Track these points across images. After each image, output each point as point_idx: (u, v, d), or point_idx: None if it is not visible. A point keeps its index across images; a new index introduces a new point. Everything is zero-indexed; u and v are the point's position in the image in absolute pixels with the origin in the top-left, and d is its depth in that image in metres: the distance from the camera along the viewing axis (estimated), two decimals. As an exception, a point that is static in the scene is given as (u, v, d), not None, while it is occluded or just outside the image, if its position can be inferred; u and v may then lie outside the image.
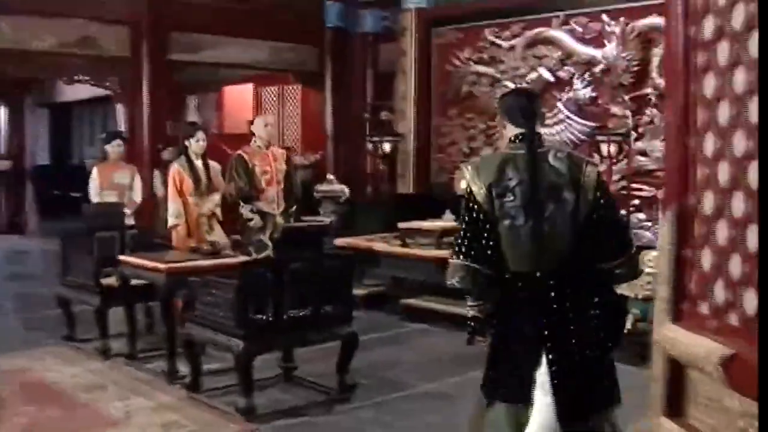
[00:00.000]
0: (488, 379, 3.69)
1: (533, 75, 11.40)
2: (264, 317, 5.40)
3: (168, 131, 12.51)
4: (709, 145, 2.96)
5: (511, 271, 3.58)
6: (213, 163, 7.57)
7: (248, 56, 13.76)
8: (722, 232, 2.85)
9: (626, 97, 10.27)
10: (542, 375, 3.47)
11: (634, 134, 9.98)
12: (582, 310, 3.55)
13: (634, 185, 9.72)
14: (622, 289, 4.78)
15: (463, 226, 3.65)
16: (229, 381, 5.87)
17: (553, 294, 3.52)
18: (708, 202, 2.97)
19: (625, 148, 9.74)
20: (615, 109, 10.19)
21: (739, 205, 2.73)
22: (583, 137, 10.74)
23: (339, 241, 9.52)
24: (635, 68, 10.26)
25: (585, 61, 10.80)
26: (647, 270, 5.98)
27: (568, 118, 10.90)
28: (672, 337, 3.11)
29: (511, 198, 3.54)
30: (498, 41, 11.88)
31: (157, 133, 12.19)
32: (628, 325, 6.19)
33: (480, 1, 12.66)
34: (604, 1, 10.65)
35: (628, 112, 10.07)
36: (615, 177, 9.88)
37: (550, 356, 3.48)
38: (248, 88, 17.04)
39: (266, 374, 6.08)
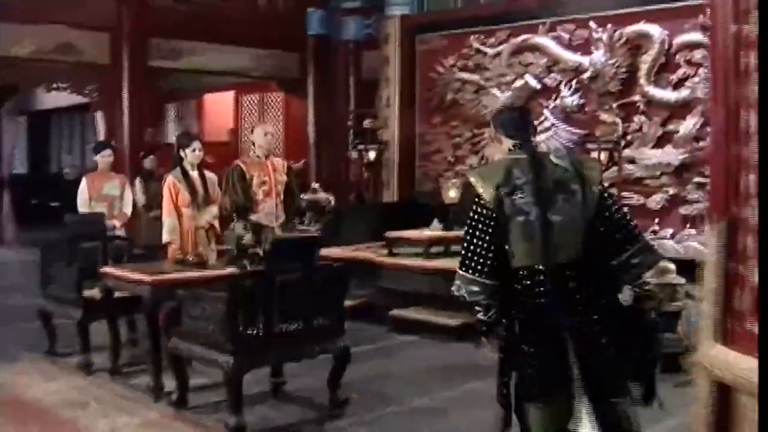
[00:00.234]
0: (516, 384, 3.64)
1: (519, 82, 11.33)
2: (254, 331, 5.22)
3: (146, 138, 12.35)
4: (759, 150, 2.79)
5: (524, 267, 3.58)
6: (210, 174, 7.35)
7: (230, 63, 13.67)
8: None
9: (614, 105, 10.20)
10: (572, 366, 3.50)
11: (622, 142, 9.91)
12: (600, 301, 3.59)
13: (624, 193, 9.63)
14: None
15: (470, 236, 3.64)
16: (217, 397, 5.69)
17: (571, 285, 3.55)
18: (758, 213, 2.80)
19: (616, 156, 9.64)
20: (604, 116, 10.10)
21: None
22: (570, 145, 10.64)
23: (324, 251, 9.34)
24: (623, 75, 10.21)
25: (572, 68, 10.73)
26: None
27: (555, 125, 10.82)
28: (719, 358, 2.93)
29: (521, 194, 3.58)
30: (483, 48, 11.79)
31: (137, 141, 12.01)
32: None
33: (465, 7, 12.59)
34: (592, 7, 10.60)
35: (618, 120, 9.99)
36: (605, 185, 9.78)
37: (575, 347, 3.51)
38: (229, 96, 16.91)
39: (254, 389, 5.90)
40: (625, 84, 10.19)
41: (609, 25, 10.32)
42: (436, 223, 9.07)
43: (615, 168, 9.71)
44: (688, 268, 7.02)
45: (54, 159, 22.94)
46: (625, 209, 4.07)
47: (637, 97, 10.09)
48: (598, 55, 10.42)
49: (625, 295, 3.67)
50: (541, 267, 3.55)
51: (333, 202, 11.54)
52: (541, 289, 3.55)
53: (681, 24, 9.70)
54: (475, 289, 3.61)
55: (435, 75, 12.39)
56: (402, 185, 12.68)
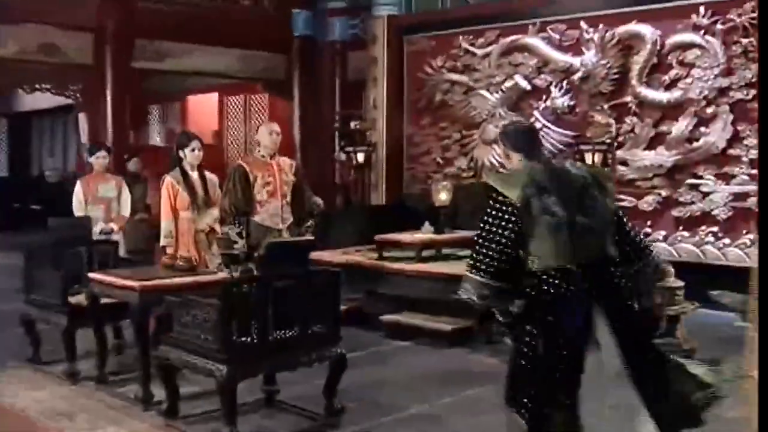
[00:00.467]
0: (539, 390, 3.58)
1: (509, 83, 11.22)
2: (248, 339, 5.05)
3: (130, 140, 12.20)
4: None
5: (551, 268, 3.54)
6: (210, 175, 7.16)
7: (215, 64, 13.52)
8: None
9: (605, 106, 10.11)
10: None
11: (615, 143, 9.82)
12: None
13: (616, 196, 9.51)
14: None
15: (483, 238, 3.60)
16: (209, 406, 5.52)
17: (600, 283, 3.56)
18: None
19: (609, 158, 9.54)
20: (598, 117, 10.01)
21: None
22: (561, 147, 10.56)
23: (313, 255, 9.17)
24: (615, 76, 10.13)
25: (562, 69, 10.65)
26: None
27: (546, 127, 10.72)
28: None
29: (548, 196, 3.57)
30: (472, 49, 11.69)
31: (121, 143, 11.81)
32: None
33: (454, 8, 12.48)
34: (583, 7, 10.51)
35: (611, 121, 9.89)
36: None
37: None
38: (213, 97, 16.74)
39: (246, 398, 5.72)
40: (617, 85, 10.12)
41: (600, 25, 10.24)
42: (427, 225, 8.93)
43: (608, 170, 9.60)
44: (681, 270, 6.97)
45: (35, 161, 22.66)
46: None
47: (628, 98, 10.02)
48: (589, 56, 10.33)
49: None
50: (569, 267, 3.53)
51: (322, 206, 11.36)
52: (570, 289, 3.51)
53: (673, 24, 9.64)
54: (486, 292, 3.58)
55: (423, 76, 12.28)
56: (390, 187, 12.55)
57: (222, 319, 4.94)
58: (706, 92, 9.41)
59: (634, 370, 3.47)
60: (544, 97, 10.84)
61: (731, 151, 9.25)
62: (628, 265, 3.69)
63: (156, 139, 17.99)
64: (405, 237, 8.83)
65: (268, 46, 13.89)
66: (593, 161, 9.28)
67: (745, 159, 9.10)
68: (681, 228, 9.60)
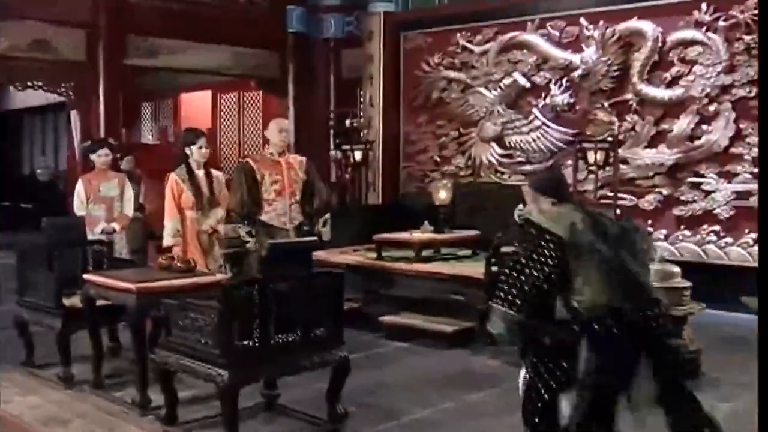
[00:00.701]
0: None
1: (507, 80, 11.11)
2: (250, 343, 4.90)
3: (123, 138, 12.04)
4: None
5: (595, 307, 3.49)
6: (217, 174, 6.98)
7: (208, 62, 13.38)
8: None
9: (606, 104, 10.01)
10: None
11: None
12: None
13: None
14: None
15: (518, 272, 3.56)
16: (208, 411, 5.40)
17: (646, 323, 3.55)
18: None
19: (611, 156, 9.43)
20: (600, 115, 9.90)
21: None
22: (560, 144, 10.47)
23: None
24: (615, 73, 10.03)
25: (562, 66, 10.54)
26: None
27: (545, 125, 10.62)
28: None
29: (590, 236, 3.58)
30: (470, 46, 11.57)
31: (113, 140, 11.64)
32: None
33: (451, 4, 12.36)
34: (583, 4, 10.39)
35: (614, 118, 9.80)
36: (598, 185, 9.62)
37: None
38: (206, 95, 16.59)
39: (246, 403, 5.57)
40: (617, 82, 10.02)
41: (600, 22, 10.13)
42: (426, 225, 8.79)
43: (608, 168, 9.52)
44: (682, 270, 6.85)
45: (26, 160, 22.46)
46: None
47: (629, 96, 9.91)
48: (590, 53, 10.23)
49: None
50: (616, 307, 3.50)
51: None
52: (617, 326, 3.47)
53: (675, 21, 9.55)
54: (515, 327, 3.54)
55: (420, 73, 12.16)
56: (386, 186, 12.43)
57: (222, 322, 4.79)
58: (708, 90, 9.31)
59: (670, 411, 3.49)
60: (543, 94, 10.73)
61: (733, 149, 9.16)
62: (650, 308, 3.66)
63: (148, 137, 17.82)
64: (403, 236, 8.70)
65: (262, 43, 13.74)
66: (595, 159, 9.17)
67: (747, 157, 9.01)
68: (682, 227, 9.50)
